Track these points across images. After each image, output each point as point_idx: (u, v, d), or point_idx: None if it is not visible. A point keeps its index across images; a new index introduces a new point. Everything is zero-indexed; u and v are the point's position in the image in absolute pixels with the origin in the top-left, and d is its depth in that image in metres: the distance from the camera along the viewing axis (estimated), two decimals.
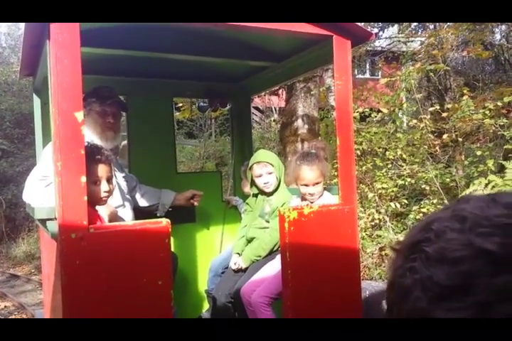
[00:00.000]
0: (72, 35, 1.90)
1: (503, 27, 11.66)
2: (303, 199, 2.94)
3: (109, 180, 2.35)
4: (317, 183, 2.84)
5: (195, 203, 3.35)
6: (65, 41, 1.89)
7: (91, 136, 2.76)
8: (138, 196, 3.23)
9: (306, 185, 2.85)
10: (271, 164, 3.12)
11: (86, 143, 2.01)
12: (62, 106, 1.88)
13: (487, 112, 6.37)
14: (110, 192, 2.39)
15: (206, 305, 3.60)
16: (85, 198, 1.85)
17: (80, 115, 1.90)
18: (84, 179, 1.86)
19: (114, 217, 2.54)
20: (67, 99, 1.89)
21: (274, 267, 2.89)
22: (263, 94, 11.02)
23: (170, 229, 2.03)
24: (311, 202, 2.86)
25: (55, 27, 1.88)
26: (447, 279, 0.49)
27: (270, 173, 3.13)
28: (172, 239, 3.27)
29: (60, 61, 1.89)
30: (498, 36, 13.27)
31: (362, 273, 5.40)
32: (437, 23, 10.14)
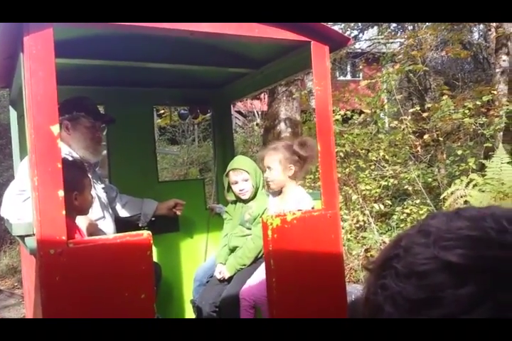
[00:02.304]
0: (46, 47, 1.87)
1: (481, 26, 11.83)
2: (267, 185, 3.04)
3: (89, 191, 2.38)
4: (269, 168, 2.93)
5: (178, 212, 3.32)
6: (39, 53, 1.86)
7: (79, 150, 2.74)
8: (119, 206, 3.19)
9: (268, 168, 2.95)
10: (246, 171, 3.13)
11: (63, 156, 1.99)
12: (37, 119, 1.85)
13: (466, 111, 6.44)
14: (91, 203, 2.43)
15: (192, 316, 3.57)
16: (63, 213, 1.82)
17: (55, 128, 1.87)
18: (61, 193, 1.83)
19: (95, 229, 2.52)
20: (42, 112, 1.86)
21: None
22: (245, 98, 11.03)
23: (151, 241, 2.01)
24: (272, 189, 2.99)
25: (28, 39, 1.85)
26: (415, 293, 0.50)
27: (246, 180, 3.14)
28: (155, 248, 3.26)
29: (34, 74, 1.86)
30: (476, 35, 13.47)
31: (348, 276, 5.41)
32: (416, 24, 10.25)
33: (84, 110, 2.81)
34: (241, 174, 3.14)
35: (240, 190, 3.15)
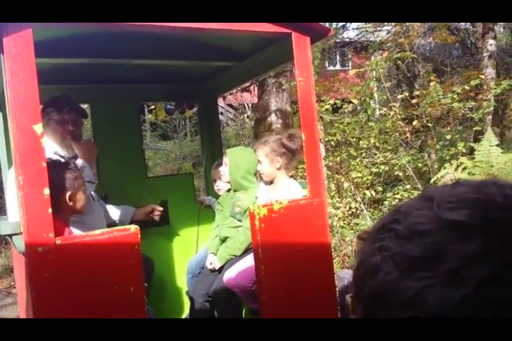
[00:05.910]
0: (26, 48, 1.89)
1: None
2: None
3: (83, 191, 2.41)
4: (259, 161, 3.01)
5: (156, 218, 3.33)
6: (19, 55, 1.88)
7: (52, 145, 2.75)
8: None
9: (258, 161, 3.03)
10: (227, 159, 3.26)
11: (49, 159, 2.01)
12: (20, 119, 1.87)
13: (455, 96, 6.48)
14: (86, 201, 2.46)
15: (187, 308, 3.61)
16: (49, 210, 1.85)
17: (38, 128, 1.89)
18: (47, 191, 1.86)
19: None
20: (25, 112, 1.88)
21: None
22: (235, 91, 11.01)
23: (139, 236, 2.04)
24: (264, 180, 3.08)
25: (7, 40, 1.87)
26: (417, 251, 0.49)
27: (226, 165, 3.26)
28: (147, 243, 3.28)
29: (15, 75, 1.88)
30: None
31: (342, 262, 5.46)
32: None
33: (53, 105, 2.83)
34: (225, 158, 3.28)
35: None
